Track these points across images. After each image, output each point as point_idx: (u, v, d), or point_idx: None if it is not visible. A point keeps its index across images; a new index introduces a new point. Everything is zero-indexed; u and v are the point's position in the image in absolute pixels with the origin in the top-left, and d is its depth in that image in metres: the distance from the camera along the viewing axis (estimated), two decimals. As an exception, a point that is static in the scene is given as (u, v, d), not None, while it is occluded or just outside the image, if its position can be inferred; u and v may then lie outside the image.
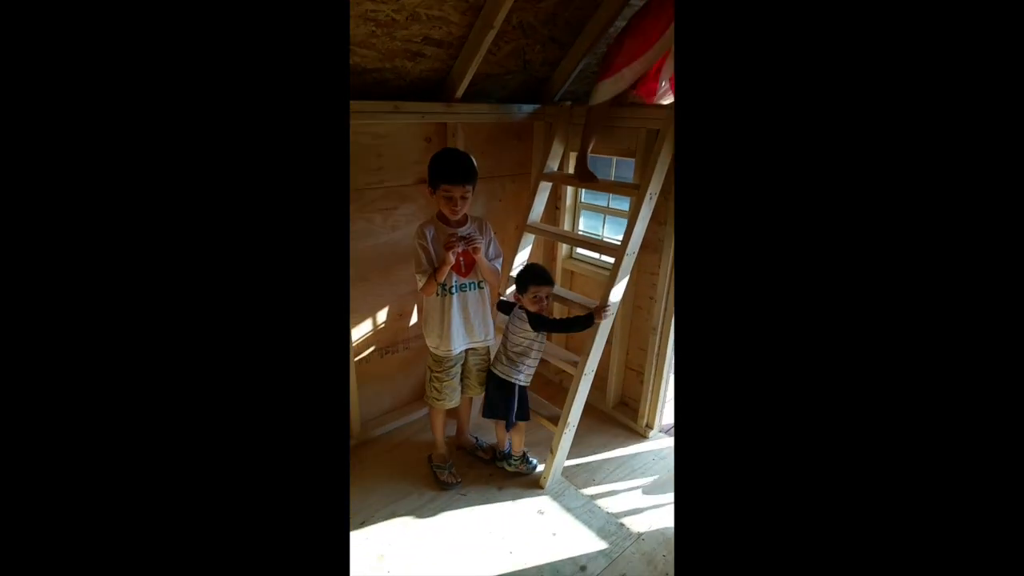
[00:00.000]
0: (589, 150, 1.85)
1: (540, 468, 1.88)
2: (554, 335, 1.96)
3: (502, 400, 1.78)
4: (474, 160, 1.58)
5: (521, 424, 1.82)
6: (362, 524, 1.63)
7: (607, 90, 1.69)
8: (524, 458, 1.89)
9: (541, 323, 1.70)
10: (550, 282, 1.70)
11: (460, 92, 1.78)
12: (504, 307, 1.85)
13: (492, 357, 1.84)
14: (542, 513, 1.72)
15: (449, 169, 1.53)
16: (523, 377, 1.76)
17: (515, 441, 1.87)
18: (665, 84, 1.72)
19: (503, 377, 1.76)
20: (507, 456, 1.89)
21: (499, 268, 1.72)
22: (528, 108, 2.06)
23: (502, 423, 1.83)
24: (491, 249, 1.69)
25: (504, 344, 1.78)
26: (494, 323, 1.81)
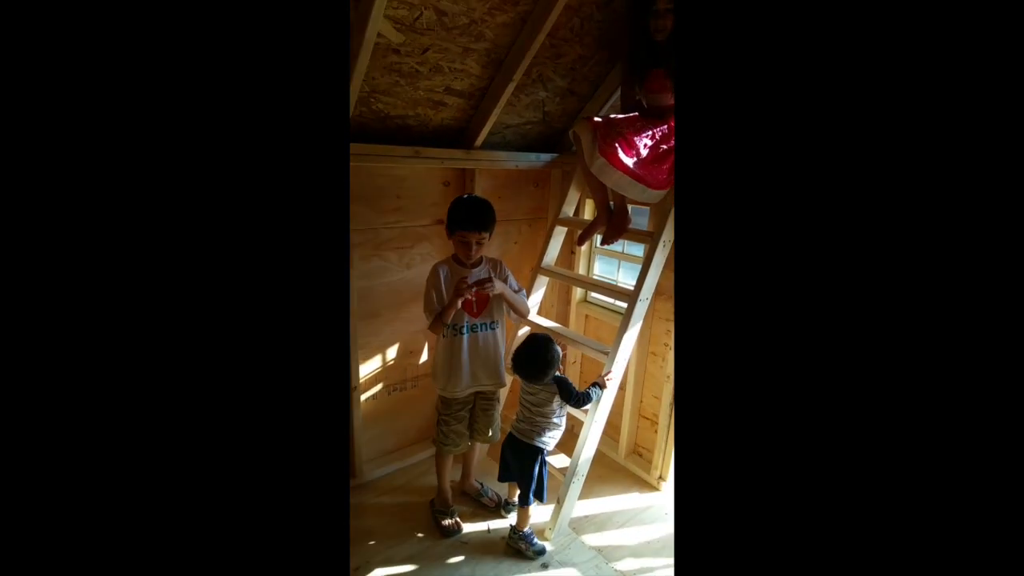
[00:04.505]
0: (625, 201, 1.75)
1: (547, 549, 1.69)
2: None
3: (518, 466, 1.66)
4: (492, 207, 1.61)
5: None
6: (356, 570, 1.58)
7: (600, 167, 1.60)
8: (525, 538, 1.68)
9: (570, 396, 1.59)
10: (559, 349, 1.64)
11: (480, 141, 1.85)
12: (564, 389, 1.61)
13: (502, 402, 1.79)
14: (546, 567, 1.64)
15: (466, 217, 1.56)
16: (548, 440, 1.64)
17: (520, 517, 1.69)
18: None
19: (524, 440, 1.63)
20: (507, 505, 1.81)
21: (525, 299, 1.74)
22: (546, 157, 2.12)
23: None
24: (511, 284, 1.70)
25: (528, 411, 1.66)
26: (506, 366, 1.79)
